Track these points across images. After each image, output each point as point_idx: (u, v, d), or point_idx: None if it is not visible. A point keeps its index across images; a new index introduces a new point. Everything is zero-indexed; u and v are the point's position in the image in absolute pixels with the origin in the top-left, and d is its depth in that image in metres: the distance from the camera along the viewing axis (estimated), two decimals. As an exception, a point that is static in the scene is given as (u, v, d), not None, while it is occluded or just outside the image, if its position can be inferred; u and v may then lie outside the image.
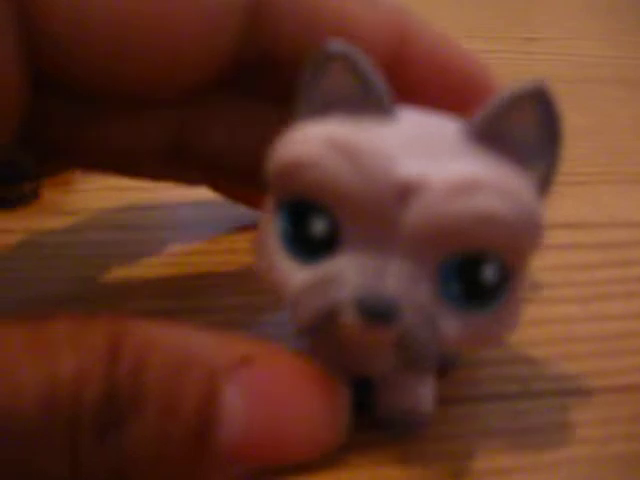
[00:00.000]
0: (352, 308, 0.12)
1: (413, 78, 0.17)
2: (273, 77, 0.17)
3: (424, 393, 0.16)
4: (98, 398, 0.12)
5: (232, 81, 0.17)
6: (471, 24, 0.41)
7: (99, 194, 0.22)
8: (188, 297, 0.20)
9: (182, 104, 0.18)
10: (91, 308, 0.18)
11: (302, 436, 0.14)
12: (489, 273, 0.13)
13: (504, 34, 0.39)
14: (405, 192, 0.12)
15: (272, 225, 0.13)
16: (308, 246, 0.13)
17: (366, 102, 0.13)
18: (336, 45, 0.13)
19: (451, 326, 0.13)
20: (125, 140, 0.18)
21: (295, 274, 0.13)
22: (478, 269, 0.13)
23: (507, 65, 0.36)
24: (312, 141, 0.13)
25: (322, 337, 0.13)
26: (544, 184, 0.14)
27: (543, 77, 0.13)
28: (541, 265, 0.22)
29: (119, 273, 0.20)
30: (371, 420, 0.16)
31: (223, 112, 0.18)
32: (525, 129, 0.13)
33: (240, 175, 0.19)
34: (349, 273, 0.13)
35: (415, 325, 0.12)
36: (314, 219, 0.13)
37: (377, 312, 0.12)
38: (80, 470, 0.12)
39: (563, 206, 0.26)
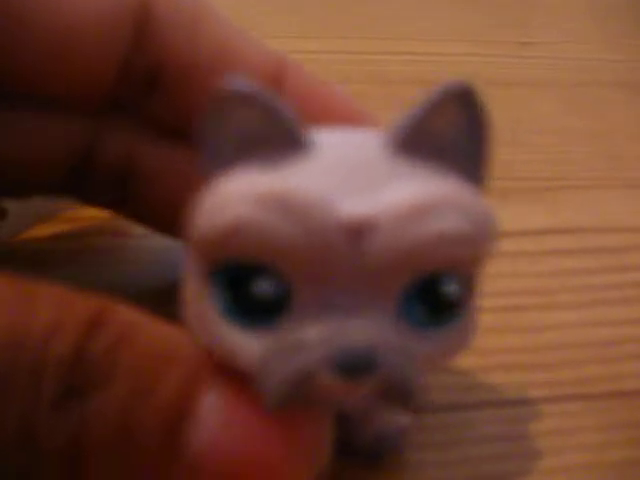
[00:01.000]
0: (328, 369, 0.11)
1: None
2: (161, 102, 0.18)
3: (396, 414, 0.16)
4: (67, 357, 0.11)
5: (124, 100, 0.18)
6: (468, 28, 0.41)
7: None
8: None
9: (81, 116, 0.18)
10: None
11: (286, 458, 0.12)
12: (450, 288, 0.12)
13: (499, 38, 0.39)
14: (355, 233, 0.11)
15: (205, 296, 0.12)
16: (254, 310, 0.12)
17: (280, 139, 0.12)
18: (239, 83, 0.12)
19: (423, 351, 0.12)
20: (26, 141, 0.18)
21: (248, 344, 0.12)
22: (439, 286, 0.12)
23: (503, 69, 0.36)
24: (242, 201, 0.11)
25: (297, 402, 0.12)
26: (478, 186, 0.13)
27: (466, 77, 0.12)
28: (537, 271, 0.22)
29: (117, 279, 0.21)
30: (346, 450, 0.15)
31: (119, 135, 0.18)
32: (451, 133, 0.12)
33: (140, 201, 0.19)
34: (313, 332, 0.11)
35: (396, 365, 0.12)
36: (258, 281, 0.12)
37: (356, 367, 0.11)
38: (36, 432, 0.11)
39: (559, 211, 0.25)
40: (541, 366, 0.19)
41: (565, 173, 0.28)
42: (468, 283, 0.12)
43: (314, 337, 0.11)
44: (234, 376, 0.12)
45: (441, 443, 0.17)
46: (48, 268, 0.21)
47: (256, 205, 0.11)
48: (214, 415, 0.12)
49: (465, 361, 0.19)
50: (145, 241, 0.22)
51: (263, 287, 0.12)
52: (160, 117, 0.18)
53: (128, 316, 0.13)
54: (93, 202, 0.20)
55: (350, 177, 0.12)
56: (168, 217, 0.18)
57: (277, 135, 0.12)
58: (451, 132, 0.12)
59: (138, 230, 0.22)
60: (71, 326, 0.12)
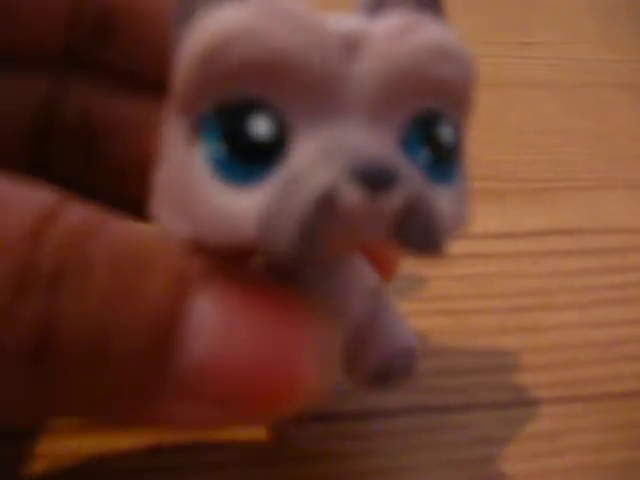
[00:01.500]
0: (352, 181, 0.10)
1: None
2: (117, 50, 0.17)
3: (400, 328, 0.15)
4: (19, 239, 0.10)
5: (79, 51, 0.17)
6: (468, 29, 0.41)
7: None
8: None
9: (38, 74, 0.17)
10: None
11: (297, 365, 0.11)
12: (446, 132, 0.11)
13: (500, 38, 0.39)
14: (352, 44, 0.11)
15: (192, 162, 0.11)
16: (249, 158, 0.10)
17: None
18: None
19: (437, 199, 0.11)
20: None
21: (245, 202, 0.10)
22: (435, 128, 0.11)
23: (503, 69, 0.36)
24: (239, 12, 0.10)
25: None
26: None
27: None
28: (538, 271, 0.22)
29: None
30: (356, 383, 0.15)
31: (78, 91, 0.17)
32: None
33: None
34: (325, 149, 0.10)
35: (416, 183, 0.10)
36: (254, 118, 0.10)
37: (379, 174, 0.10)
38: None
39: (560, 212, 0.25)
40: (540, 367, 0.19)
41: (566, 174, 0.28)
42: (458, 131, 0.12)
43: (325, 154, 0.10)
44: (229, 273, 0.11)
45: (440, 444, 0.16)
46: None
47: (253, 11, 0.10)
48: (209, 322, 0.10)
49: (464, 362, 0.19)
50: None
51: (259, 126, 0.10)
52: (117, 67, 0.17)
53: (84, 211, 0.11)
54: (56, 182, 0.19)
55: (330, 15, 0.11)
56: (133, 179, 0.17)
57: None
58: None
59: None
60: (25, 208, 0.10)
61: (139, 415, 0.11)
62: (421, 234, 0.11)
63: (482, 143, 0.29)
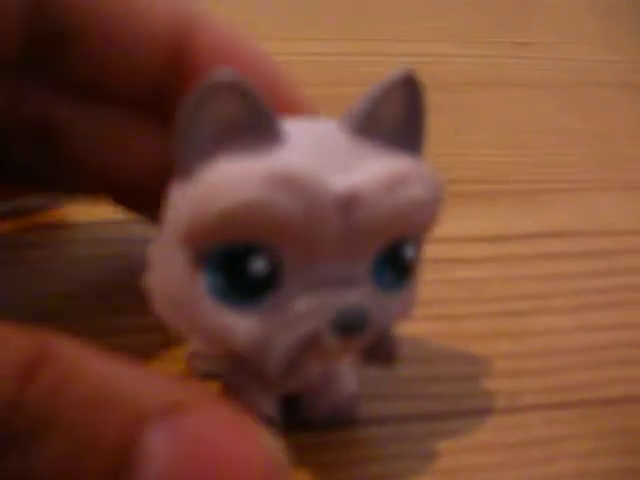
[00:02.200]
0: (330, 331, 0.13)
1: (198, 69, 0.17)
2: (69, 59, 0.17)
3: (347, 379, 0.16)
4: (4, 403, 0.11)
5: (34, 56, 0.17)
6: (466, 29, 0.41)
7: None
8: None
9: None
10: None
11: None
12: (409, 252, 0.14)
13: (497, 38, 0.39)
14: (346, 204, 0.12)
15: (192, 282, 0.13)
16: (245, 290, 0.13)
17: (257, 128, 0.13)
18: (224, 74, 0.12)
19: (392, 310, 0.14)
20: None
21: (242, 323, 0.13)
22: (401, 252, 0.14)
23: (500, 70, 0.36)
24: (247, 183, 0.12)
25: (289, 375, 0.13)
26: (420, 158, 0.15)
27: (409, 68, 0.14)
28: (531, 275, 0.22)
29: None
30: (302, 423, 0.16)
31: (34, 97, 0.18)
32: (397, 116, 0.14)
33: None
34: (310, 301, 0.13)
35: (382, 323, 0.13)
36: (253, 260, 0.12)
37: (354, 326, 0.13)
38: None
39: (555, 214, 0.25)
40: (532, 373, 0.19)
41: (561, 175, 0.28)
42: (419, 248, 0.14)
43: (312, 305, 0.13)
44: (188, 396, 0.12)
45: (431, 452, 0.16)
46: (27, 278, 0.21)
47: (263, 185, 0.12)
48: (159, 461, 0.12)
49: (455, 368, 0.18)
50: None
51: (257, 266, 0.12)
52: (71, 76, 0.18)
53: (67, 359, 0.12)
54: (14, 175, 0.20)
55: (325, 159, 0.13)
56: (92, 172, 0.19)
57: (255, 124, 0.13)
58: (397, 115, 0.14)
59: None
60: (8, 370, 0.11)
61: None
62: (382, 355, 0.14)
63: (478, 143, 0.29)
